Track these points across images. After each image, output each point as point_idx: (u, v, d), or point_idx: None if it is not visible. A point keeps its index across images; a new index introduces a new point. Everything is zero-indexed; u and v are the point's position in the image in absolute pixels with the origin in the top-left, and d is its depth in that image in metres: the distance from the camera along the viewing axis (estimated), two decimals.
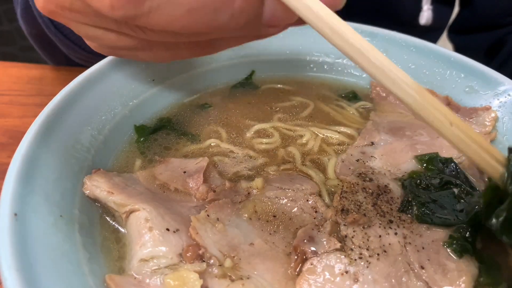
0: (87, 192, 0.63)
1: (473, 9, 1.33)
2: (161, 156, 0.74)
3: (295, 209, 0.64)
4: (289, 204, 0.65)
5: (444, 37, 1.46)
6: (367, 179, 0.67)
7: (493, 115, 0.80)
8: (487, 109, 0.81)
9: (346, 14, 0.50)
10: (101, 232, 0.61)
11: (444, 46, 0.94)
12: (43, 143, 0.61)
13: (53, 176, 0.60)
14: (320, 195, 0.67)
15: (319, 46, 0.97)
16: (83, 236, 0.57)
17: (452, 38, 1.45)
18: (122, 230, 0.62)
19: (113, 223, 0.63)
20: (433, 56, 0.91)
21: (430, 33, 1.33)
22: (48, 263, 0.50)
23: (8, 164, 0.56)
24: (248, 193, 0.66)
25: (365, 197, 0.64)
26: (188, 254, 0.55)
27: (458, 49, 1.44)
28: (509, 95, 0.81)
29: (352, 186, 0.65)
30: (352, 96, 0.92)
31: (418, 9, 1.23)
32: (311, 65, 0.98)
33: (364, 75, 0.96)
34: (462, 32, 1.40)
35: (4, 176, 0.54)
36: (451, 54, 0.90)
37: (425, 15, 1.23)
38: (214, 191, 0.64)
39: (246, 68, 0.96)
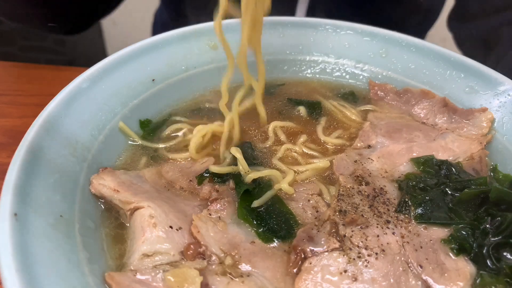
0: (93, 190, 0.64)
1: None
2: (167, 155, 0.75)
3: (296, 209, 0.65)
4: (290, 204, 0.65)
5: (443, 36, 1.46)
6: (363, 182, 0.67)
7: (489, 116, 0.80)
8: (484, 110, 0.81)
9: None
10: (101, 231, 0.62)
11: (443, 46, 0.94)
12: (43, 143, 0.62)
13: (53, 176, 0.60)
14: (321, 195, 0.67)
15: (319, 46, 0.97)
16: (83, 236, 0.58)
17: (451, 26, 1.45)
18: (124, 228, 0.62)
19: (115, 220, 0.63)
20: (433, 56, 0.91)
21: (426, 15, 1.34)
22: (48, 263, 0.50)
23: (8, 164, 0.56)
24: None
25: (361, 200, 0.64)
26: (189, 252, 0.55)
27: (457, 40, 1.44)
28: (509, 95, 0.81)
29: (348, 189, 0.66)
30: (351, 96, 0.92)
31: None
32: (311, 65, 0.98)
33: (362, 76, 0.96)
34: (461, 19, 1.40)
35: (4, 176, 0.54)
36: (451, 54, 0.90)
37: None
38: (217, 191, 0.65)
39: None
